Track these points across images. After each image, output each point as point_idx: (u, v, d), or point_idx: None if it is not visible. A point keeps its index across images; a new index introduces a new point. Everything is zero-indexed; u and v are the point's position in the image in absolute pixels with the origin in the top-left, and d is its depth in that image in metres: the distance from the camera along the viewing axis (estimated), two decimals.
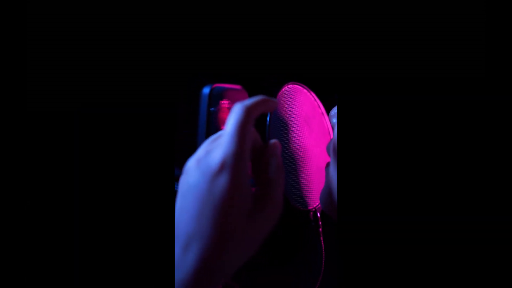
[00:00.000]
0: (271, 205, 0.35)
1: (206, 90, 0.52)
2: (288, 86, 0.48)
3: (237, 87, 0.52)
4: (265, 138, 0.46)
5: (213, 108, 0.52)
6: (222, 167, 0.33)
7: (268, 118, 0.46)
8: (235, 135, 0.34)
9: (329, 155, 0.45)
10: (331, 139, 0.44)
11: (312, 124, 0.50)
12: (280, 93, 0.47)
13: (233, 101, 0.52)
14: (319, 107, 0.51)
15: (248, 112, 0.35)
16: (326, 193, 0.45)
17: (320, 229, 0.48)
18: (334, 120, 0.45)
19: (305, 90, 0.50)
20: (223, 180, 0.33)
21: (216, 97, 0.52)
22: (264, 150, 0.37)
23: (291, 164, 0.47)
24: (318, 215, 0.49)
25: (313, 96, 0.51)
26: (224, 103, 0.52)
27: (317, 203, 0.49)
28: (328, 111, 0.50)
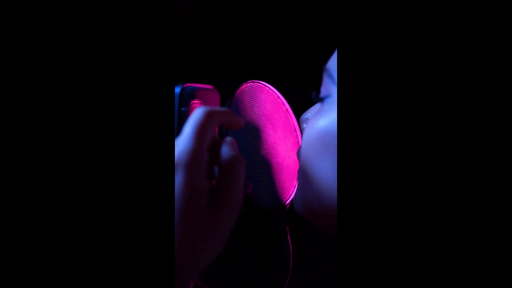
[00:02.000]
0: (228, 199, 0.35)
1: (176, 90, 0.52)
2: (248, 84, 0.47)
3: (209, 86, 0.52)
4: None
5: (184, 108, 0.52)
6: (175, 166, 0.34)
7: None
8: (191, 134, 0.35)
9: (299, 160, 0.44)
10: (300, 145, 0.44)
11: (276, 122, 0.49)
12: (238, 92, 0.46)
13: (204, 101, 0.52)
14: (284, 104, 0.51)
15: (208, 116, 0.36)
16: (300, 198, 0.44)
17: (287, 228, 0.48)
18: (304, 125, 0.45)
19: (267, 88, 0.49)
20: (177, 178, 0.33)
21: (187, 97, 0.52)
22: (219, 144, 0.37)
23: (254, 162, 0.47)
24: (285, 213, 0.48)
25: (276, 94, 0.50)
26: (196, 103, 0.52)
27: (284, 201, 0.49)
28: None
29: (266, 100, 0.49)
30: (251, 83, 0.48)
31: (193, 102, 0.53)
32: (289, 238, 0.48)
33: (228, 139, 0.38)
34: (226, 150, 0.37)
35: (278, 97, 0.51)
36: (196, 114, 0.36)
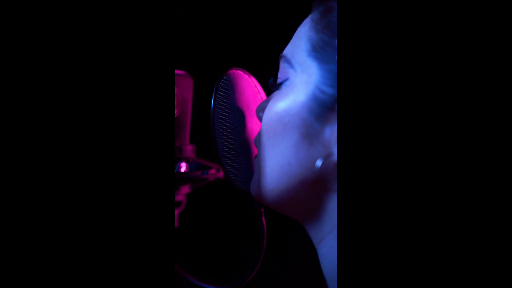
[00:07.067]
0: None
1: None
2: (231, 71, 0.50)
3: (182, 72, 0.54)
4: (210, 123, 0.48)
5: None
6: None
7: (212, 103, 0.48)
8: None
9: (256, 146, 0.47)
10: (258, 133, 0.46)
11: (253, 110, 0.52)
12: (223, 79, 0.49)
13: (178, 86, 0.54)
14: (259, 92, 0.53)
15: None
16: (256, 182, 0.46)
17: (262, 209, 0.50)
18: (261, 114, 0.47)
19: (246, 75, 0.52)
20: None
21: None
22: None
23: (235, 147, 0.49)
24: None
25: (253, 82, 0.53)
26: None
27: None
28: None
29: (245, 87, 0.51)
30: (234, 70, 0.50)
31: None
32: (263, 219, 0.50)
33: None
34: None
35: (255, 85, 0.53)
36: None
